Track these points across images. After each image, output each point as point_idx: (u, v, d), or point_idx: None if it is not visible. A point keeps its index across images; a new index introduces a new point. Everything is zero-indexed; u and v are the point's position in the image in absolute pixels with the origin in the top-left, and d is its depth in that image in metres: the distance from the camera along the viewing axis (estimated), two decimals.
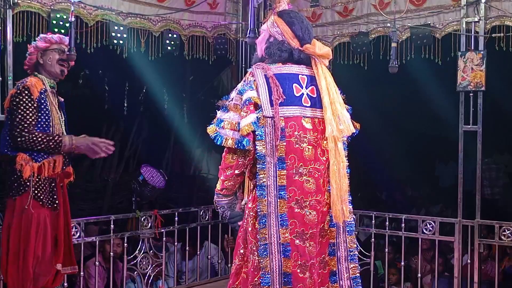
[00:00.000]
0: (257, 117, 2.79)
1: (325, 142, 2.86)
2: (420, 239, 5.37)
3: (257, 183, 2.82)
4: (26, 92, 3.70)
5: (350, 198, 2.92)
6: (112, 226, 4.97)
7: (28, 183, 3.72)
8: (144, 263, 5.22)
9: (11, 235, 3.73)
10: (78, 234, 4.68)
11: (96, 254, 5.09)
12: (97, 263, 5.06)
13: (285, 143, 2.81)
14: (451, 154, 6.21)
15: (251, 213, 2.89)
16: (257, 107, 2.80)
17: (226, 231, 5.96)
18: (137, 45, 5.28)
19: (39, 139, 3.70)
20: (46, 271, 3.81)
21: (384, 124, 8.27)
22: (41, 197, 3.75)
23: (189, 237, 5.59)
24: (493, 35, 4.91)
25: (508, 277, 6.11)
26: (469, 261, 5.08)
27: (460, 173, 5.15)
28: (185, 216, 5.80)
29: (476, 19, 4.97)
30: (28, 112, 3.68)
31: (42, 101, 3.78)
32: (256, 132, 2.78)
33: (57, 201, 3.84)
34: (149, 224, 5.22)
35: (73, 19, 3.88)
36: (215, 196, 2.97)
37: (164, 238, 5.46)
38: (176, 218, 5.46)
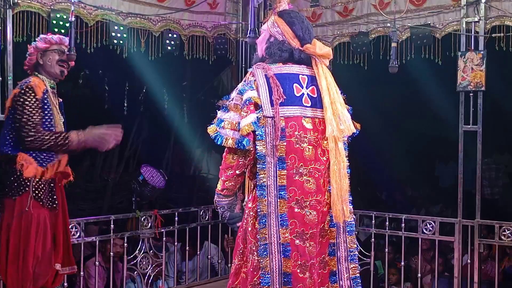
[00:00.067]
0: (257, 117, 2.78)
1: (325, 142, 2.86)
2: (420, 239, 5.37)
3: (257, 183, 2.82)
4: (31, 92, 3.70)
5: (351, 198, 2.92)
6: (112, 226, 4.97)
7: (28, 183, 3.72)
8: (144, 263, 5.22)
9: (10, 235, 3.72)
10: (78, 234, 4.69)
11: (96, 254, 5.09)
12: (97, 263, 5.06)
13: (285, 143, 2.81)
14: (451, 154, 6.21)
15: (251, 213, 2.90)
16: (257, 107, 2.80)
17: (226, 231, 5.96)
18: (137, 45, 5.28)
19: (47, 137, 3.71)
20: (45, 271, 3.81)
21: (384, 124, 8.26)
22: (41, 197, 3.75)
23: (189, 237, 5.59)
24: (493, 35, 4.91)
25: (508, 277, 6.11)
26: (469, 261, 5.08)
27: (460, 173, 5.15)
28: (185, 216, 5.80)
29: (476, 19, 4.97)
30: (34, 112, 3.69)
31: (45, 101, 3.78)
32: (256, 132, 2.78)
33: (56, 201, 3.84)
34: (149, 224, 5.23)
35: (73, 19, 3.88)
36: (215, 196, 2.97)
37: (164, 238, 5.46)
38: (176, 218, 5.47)
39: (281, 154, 2.81)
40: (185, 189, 8.60)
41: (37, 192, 3.74)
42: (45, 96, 3.78)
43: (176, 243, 5.64)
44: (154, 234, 5.27)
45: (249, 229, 2.88)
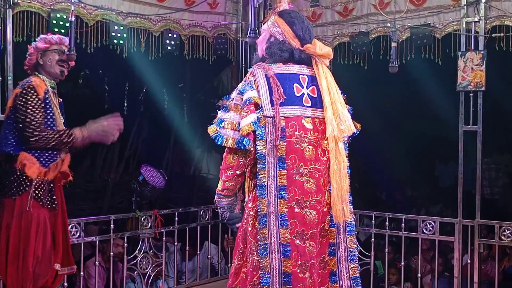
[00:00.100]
0: (257, 117, 2.78)
1: (325, 142, 2.86)
2: (420, 239, 5.37)
3: (257, 183, 2.82)
4: (33, 91, 3.71)
5: (351, 198, 2.92)
6: (112, 226, 4.97)
7: (28, 183, 3.72)
8: (144, 263, 5.22)
9: (10, 235, 3.72)
10: (78, 234, 4.69)
11: (96, 254, 5.09)
12: (97, 263, 5.06)
13: (285, 143, 2.81)
14: (451, 154, 6.21)
15: (250, 213, 2.89)
16: (257, 107, 2.80)
17: (226, 231, 5.96)
18: (137, 45, 5.28)
19: (51, 135, 3.72)
20: (45, 271, 3.81)
21: (384, 124, 8.26)
22: (41, 197, 3.75)
23: (189, 237, 5.59)
24: (493, 35, 4.91)
25: (508, 277, 6.11)
26: (469, 261, 5.08)
27: (460, 173, 5.15)
28: (185, 216, 5.80)
29: (476, 19, 4.97)
30: (37, 111, 3.69)
31: (47, 101, 3.79)
32: (257, 132, 2.78)
33: (56, 201, 3.85)
34: (149, 224, 5.22)
35: (73, 19, 3.88)
36: (215, 196, 2.97)
37: (164, 238, 5.46)
38: (176, 218, 5.47)
39: (281, 154, 2.80)
40: (185, 189, 8.60)
41: (37, 192, 3.74)
42: (47, 96, 3.79)
43: (176, 243, 5.64)
44: (154, 234, 5.27)
45: (249, 229, 2.88)
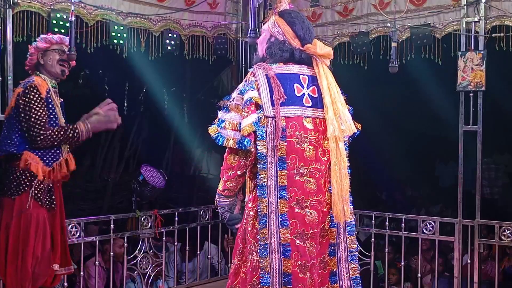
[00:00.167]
0: (258, 117, 2.78)
1: (326, 142, 2.86)
2: (420, 239, 5.37)
3: (258, 183, 2.82)
4: (35, 91, 3.71)
5: (351, 198, 2.92)
6: (112, 226, 4.97)
7: (28, 183, 3.72)
8: (144, 263, 5.22)
9: (9, 235, 3.72)
10: (78, 234, 4.68)
11: (96, 254, 5.09)
12: (97, 263, 5.06)
13: (286, 143, 2.80)
14: (451, 154, 6.21)
15: (250, 213, 2.89)
16: (258, 107, 2.80)
17: (226, 231, 5.95)
18: (137, 45, 5.28)
19: (56, 132, 3.73)
20: (45, 271, 3.82)
21: (384, 124, 8.26)
22: (40, 197, 3.75)
23: (189, 237, 5.59)
24: (493, 35, 4.91)
25: (508, 277, 6.11)
26: (469, 261, 5.08)
27: (460, 173, 5.15)
28: (185, 216, 5.80)
29: (476, 19, 4.97)
30: (41, 111, 3.70)
31: (49, 100, 3.80)
32: (257, 132, 2.78)
33: (55, 201, 3.85)
34: (149, 224, 5.22)
35: (73, 18, 3.87)
36: (216, 196, 2.97)
37: (164, 238, 5.46)
38: (176, 218, 5.46)
39: (281, 154, 2.80)
40: (185, 189, 8.60)
41: (36, 192, 3.74)
42: (49, 96, 3.80)
43: (176, 243, 5.64)
44: (154, 234, 5.27)
45: (249, 229, 2.88)
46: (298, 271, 2.81)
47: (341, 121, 2.82)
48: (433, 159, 9.87)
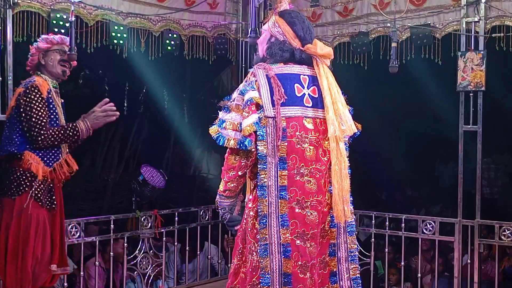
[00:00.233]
0: (258, 117, 2.78)
1: (326, 142, 2.85)
2: (420, 239, 5.37)
3: (258, 183, 2.81)
4: (36, 91, 3.71)
5: (351, 198, 2.92)
6: (112, 226, 4.97)
7: (28, 183, 3.72)
8: (144, 263, 5.22)
9: (9, 235, 3.72)
10: (78, 234, 4.68)
11: (96, 254, 5.09)
12: (97, 263, 5.06)
13: (286, 143, 2.80)
14: (451, 154, 6.21)
15: (250, 213, 2.89)
16: (258, 107, 2.79)
17: (226, 231, 5.94)
18: (137, 45, 5.28)
19: (57, 132, 3.73)
20: (45, 272, 3.81)
21: (384, 124, 8.26)
22: (41, 197, 3.75)
23: (189, 237, 5.59)
24: (493, 35, 4.91)
25: (508, 277, 6.11)
26: (469, 261, 5.08)
27: (460, 173, 5.15)
28: (185, 216, 5.80)
29: (476, 19, 4.97)
30: (42, 111, 3.70)
31: (50, 100, 3.80)
32: (258, 132, 2.77)
33: (55, 202, 3.85)
34: (149, 224, 5.22)
35: (73, 19, 3.87)
36: (217, 197, 2.96)
37: (164, 238, 5.46)
38: (176, 218, 5.46)
39: (282, 155, 2.80)
40: (185, 189, 8.60)
41: (36, 192, 3.74)
42: (50, 96, 3.80)
43: (176, 243, 5.63)
44: (154, 234, 5.27)
45: (249, 229, 2.88)
46: (298, 271, 2.81)
47: (341, 121, 2.82)
48: (433, 159, 9.87)
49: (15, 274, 3.70)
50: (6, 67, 4.38)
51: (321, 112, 2.86)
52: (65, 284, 4.63)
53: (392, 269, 6.00)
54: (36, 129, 3.67)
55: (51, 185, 3.83)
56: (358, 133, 2.99)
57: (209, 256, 5.94)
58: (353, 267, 2.96)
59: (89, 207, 7.85)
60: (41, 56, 3.87)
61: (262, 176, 2.80)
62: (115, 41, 5.06)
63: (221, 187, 2.92)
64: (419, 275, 5.51)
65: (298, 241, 2.81)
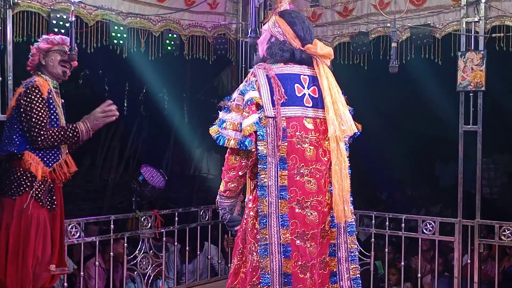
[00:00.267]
0: (259, 117, 2.78)
1: (326, 142, 2.85)
2: (420, 239, 5.37)
3: (258, 183, 2.81)
4: (37, 91, 3.71)
5: (351, 198, 2.92)
6: (112, 226, 4.97)
7: (29, 183, 3.72)
8: (144, 263, 5.22)
9: (10, 236, 3.72)
10: (78, 234, 4.68)
11: (96, 254, 5.09)
12: (97, 263, 5.06)
13: (286, 143, 2.80)
14: (451, 154, 6.21)
15: (251, 213, 2.89)
16: (259, 107, 2.79)
17: (226, 231, 5.94)
18: (137, 45, 5.28)
19: (57, 133, 3.73)
20: (45, 272, 3.81)
21: (384, 124, 8.26)
22: (41, 198, 3.75)
23: (189, 237, 5.59)
24: (493, 35, 4.91)
25: (508, 277, 6.11)
26: (469, 261, 5.08)
27: (460, 173, 5.15)
28: (185, 216, 5.80)
29: (476, 19, 4.97)
30: (42, 111, 3.70)
31: (51, 101, 3.80)
32: (258, 132, 2.77)
33: (55, 202, 3.85)
34: (149, 224, 5.22)
35: (73, 19, 3.87)
36: (217, 197, 2.97)
37: (164, 238, 5.46)
38: (176, 218, 5.46)
39: (282, 155, 2.80)
40: (185, 189, 8.61)
41: (37, 192, 3.73)
42: (50, 96, 3.80)
43: (176, 244, 5.63)
44: (154, 234, 5.27)
45: (249, 229, 2.88)
46: (299, 271, 2.81)
47: (341, 121, 2.82)
48: (433, 159, 9.87)
49: (15, 274, 3.70)
50: (6, 67, 4.38)
51: (321, 112, 2.86)
52: (65, 284, 4.63)
53: (392, 269, 6.00)
54: (36, 130, 3.67)
55: (52, 185, 3.83)
56: (358, 133, 2.99)
57: (209, 256, 5.94)
58: (353, 267, 2.96)
59: (89, 207, 7.85)
60: (42, 57, 3.87)
61: (262, 176, 2.80)
62: (115, 41, 5.06)
63: (222, 187, 2.91)
64: (419, 275, 5.51)
65: (298, 241, 2.81)
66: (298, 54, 2.88)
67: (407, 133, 9.06)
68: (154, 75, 7.18)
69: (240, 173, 2.84)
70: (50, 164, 3.79)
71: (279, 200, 2.80)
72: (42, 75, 3.86)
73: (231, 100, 2.85)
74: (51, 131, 3.72)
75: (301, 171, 2.82)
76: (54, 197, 3.84)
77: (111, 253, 5.06)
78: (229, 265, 5.48)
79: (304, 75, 2.89)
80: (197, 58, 5.80)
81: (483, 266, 5.44)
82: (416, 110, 8.62)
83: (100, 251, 5.29)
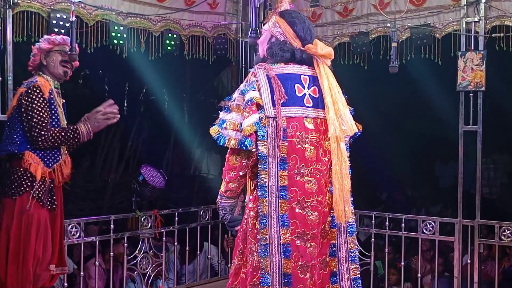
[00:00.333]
0: (259, 117, 2.78)
1: (327, 142, 2.85)
2: (420, 239, 5.37)
3: (258, 183, 2.81)
4: (38, 91, 3.71)
5: (352, 198, 2.92)
6: (112, 226, 4.97)
7: (29, 183, 3.71)
8: (144, 263, 5.22)
9: (10, 236, 3.72)
10: (78, 234, 4.68)
11: (96, 254, 5.09)
12: (97, 263, 5.06)
13: (287, 144, 2.80)
14: (451, 154, 6.21)
15: (251, 213, 2.89)
16: (259, 107, 2.79)
17: (226, 231, 5.95)
18: (137, 45, 5.28)
19: (57, 133, 3.73)
20: (45, 272, 3.81)
21: (384, 124, 8.26)
22: (42, 198, 3.75)
23: (189, 237, 5.59)
24: (493, 35, 4.91)
25: (508, 277, 6.11)
26: (469, 261, 5.08)
27: (460, 173, 5.15)
28: (185, 216, 5.80)
29: (476, 19, 4.97)
30: (43, 111, 3.70)
31: (52, 101, 3.80)
32: (258, 132, 2.77)
33: (55, 202, 3.85)
34: (149, 224, 5.22)
35: (74, 19, 3.87)
36: (218, 197, 2.97)
37: (164, 238, 5.46)
38: (176, 218, 5.47)
39: (282, 155, 2.80)
40: (185, 189, 8.60)
41: (37, 192, 3.73)
42: (51, 96, 3.80)
43: (176, 244, 5.63)
44: (154, 234, 5.27)
45: (249, 229, 2.88)
46: (299, 271, 2.81)
47: (342, 122, 2.82)
48: (433, 159, 9.87)
49: (16, 275, 3.70)
50: (6, 67, 4.38)
51: (321, 112, 2.86)
52: (65, 284, 4.63)
53: (392, 269, 6.00)
54: (37, 130, 3.67)
55: (52, 185, 3.83)
56: (359, 133, 2.98)
57: (209, 256, 5.94)
58: (354, 267, 2.96)
59: (89, 207, 7.85)
60: (43, 57, 3.87)
61: (263, 176, 2.80)
62: (115, 41, 5.06)
63: (222, 188, 2.91)
64: (419, 275, 5.51)
65: (298, 241, 2.81)
66: (298, 54, 2.88)
67: (407, 133, 9.06)
68: (154, 75, 7.18)
69: (240, 173, 2.84)
70: (50, 165, 3.79)
71: (279, 200, 2.80)
72: (43, 75, 3.86)
73: (232, 100, 2.85)
74: (52, 132, 3.72)
75: (302, 171, 2.82)
76: (55, 197, 3.84)
77: (111, 253, 5.06)
78: (229, 265, 5.49)
79: (305, 75, 2.89)
80: (197, 58, 5.80)
81: (483, 266, 5.44)
82: (416, 110, 8.62)
83: (100, 251, 5.29)
